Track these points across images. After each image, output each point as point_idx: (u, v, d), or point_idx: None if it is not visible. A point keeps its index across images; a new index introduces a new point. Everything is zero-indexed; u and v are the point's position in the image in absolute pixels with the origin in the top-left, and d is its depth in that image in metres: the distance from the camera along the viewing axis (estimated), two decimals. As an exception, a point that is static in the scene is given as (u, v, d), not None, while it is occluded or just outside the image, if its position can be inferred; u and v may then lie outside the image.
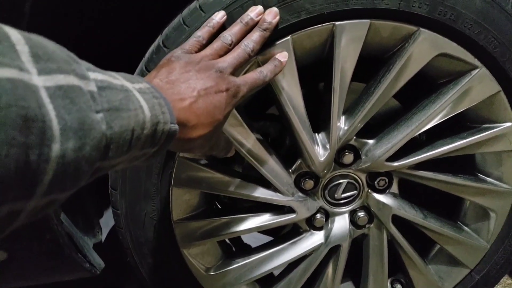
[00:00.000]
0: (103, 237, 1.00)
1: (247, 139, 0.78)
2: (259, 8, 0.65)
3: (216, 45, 0.60)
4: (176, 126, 0.46)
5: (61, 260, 0.79)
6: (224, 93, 0.54)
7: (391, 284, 0.99)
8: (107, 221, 1.06)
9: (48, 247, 0.75)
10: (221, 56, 0.60)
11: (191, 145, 0.54)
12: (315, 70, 0.83)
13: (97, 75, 0.37)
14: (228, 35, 0.62)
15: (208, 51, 0.59)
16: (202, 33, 0.63)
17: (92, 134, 0.32)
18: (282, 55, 0.67)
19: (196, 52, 0.60)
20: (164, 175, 0.80)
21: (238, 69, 0.60)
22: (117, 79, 0.40)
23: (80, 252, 0.84)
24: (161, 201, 0.82)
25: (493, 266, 0.95)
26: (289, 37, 0.72)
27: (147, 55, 0.76)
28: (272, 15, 0.65)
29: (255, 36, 0.63)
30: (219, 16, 0.65)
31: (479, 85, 0.78)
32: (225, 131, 0.76)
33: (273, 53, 0.69)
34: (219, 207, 0.98)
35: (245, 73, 0.73)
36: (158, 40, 0.75)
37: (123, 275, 1.08)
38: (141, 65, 0.76)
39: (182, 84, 0.52)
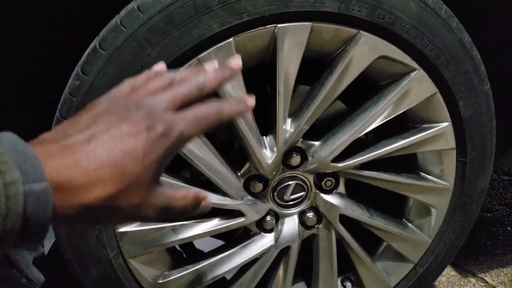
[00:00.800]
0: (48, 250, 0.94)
1: (193, 143, 0.77)
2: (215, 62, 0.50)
3: (154, 84, 0.44)
4: (45, 184, 0.33)
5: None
6: (142, 134, 0.38)
7: (341, 282, 1.01)
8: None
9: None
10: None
11: (92, 214, 0.37)
12: (260, 73, 0.83)
13: None
14: (169, 75, 0.46)
15: (140, 92, 0.44)
16: (137, 78, 0.47)
17: None
18: (250, 99, 0.47)
19: None
20: (105, 182, 0.76)
21: (183, 106, 0.43)
22: None
23: (16, 268, 0.78)
24: (103, 209, 0.78)
25: (435, 259, 0.99)
26: (231, 39, 0.71)
27: (83, 57, 0.72)
28: (236, 61, 0.49)
29: (210, 71, 0.46)
30: (160, 66, 0.49)
31: (418, 86, 0.81)
32: None
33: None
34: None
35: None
36: (95, 42, 0.71)
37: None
38: (77, 68, 0.73)
39: (78, 133, 0.38)
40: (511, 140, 1.03)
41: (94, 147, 0.37)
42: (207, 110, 0.43)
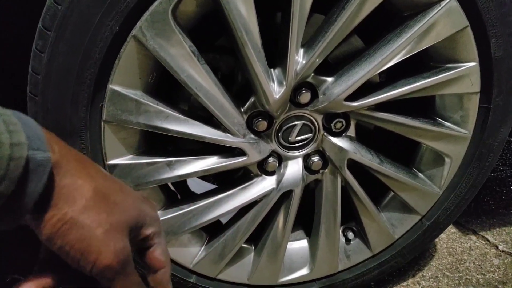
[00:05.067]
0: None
1: (195, 71, 0.68)
2: None
3: None
4: (47, 155, 0.32)
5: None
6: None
7: (343, 232, 0.97)
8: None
9: None
10: None
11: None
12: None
13: None
14: None
15: None
16: None
17: None
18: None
19: None
20: (93, 108, 0.68)
21: None
22: None
23: None
24: (91, 138, 0.71)
25: (443, 213, 0.94)
26: None
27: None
28: None
29: None
30: None
31: (447, 18, 0.73)
32: (172, 61, 0.66)
33: None
34: (162, 149, 0.88)
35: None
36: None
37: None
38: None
39: None
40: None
41: None
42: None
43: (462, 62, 0.78)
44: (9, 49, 0.73)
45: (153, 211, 0.42)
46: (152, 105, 0.70)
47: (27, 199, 0.31)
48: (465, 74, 0.78)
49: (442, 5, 0.71)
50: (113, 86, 0.67)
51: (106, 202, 0.36)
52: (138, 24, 0.64)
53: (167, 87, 0.78)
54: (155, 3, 0.63)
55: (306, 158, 0.86)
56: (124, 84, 0.68)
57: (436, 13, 0.72)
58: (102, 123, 0.70)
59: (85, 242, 0.34)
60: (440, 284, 1.06)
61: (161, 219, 0.81)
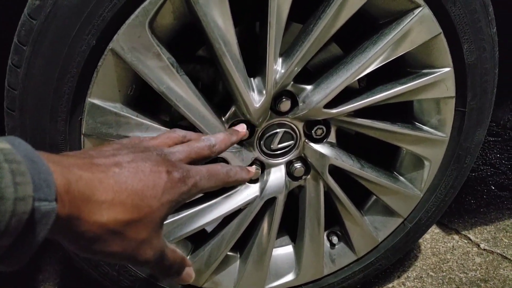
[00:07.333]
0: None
1: (174, 82, 0.69)
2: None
3: (165, 135, 0.51)
4: (52, 205, 0.31)
5: None
6: (163, 174, 0.41)
7: (327, 236, 0.98)
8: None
9: None
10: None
11: (101, 237, 0.36)
12: (249, 7, 0.74)
13: None
14: (182, 131, 0.53)
15: (154, 141, 0.49)
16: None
17: None
18: (251, 168, 0.58)
19: None
20: (72, 121, 0.68)
21: (195, 161, 0.48)
22: None
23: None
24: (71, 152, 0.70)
25: (425, 214, 0.96)
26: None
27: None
28: (241, 127, 0.63)
29: (220, 135, 0.55)
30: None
31: (421, 26, 0.74)
32: (150, 74, 0.66)
33: None
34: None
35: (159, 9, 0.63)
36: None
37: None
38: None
39: (103, 157, 0.39)
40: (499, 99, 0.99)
41: (120, 172, 0.38)
42: (218, 170, 0.49)
43: (437, 68, 0.80)
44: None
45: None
46: (132, 117, 0.70)
47: (26, 247, 0.30)
48: (441, 79, 0.80)
49: (415, 13, 0.73)
50: (92, 100, 0.67)
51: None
52: (115, 37, 0.64)
53: (147, 99, 0.78)
54: (132, 17, 0.63)
55: (289, 165, 0.86)
56: (103, 97, 0.68)
57: (410, 20, 0.73)
58: (82, 136, 0.70)
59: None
60: (424, 284, 1.08)
61: (144, 230, 0.81)
